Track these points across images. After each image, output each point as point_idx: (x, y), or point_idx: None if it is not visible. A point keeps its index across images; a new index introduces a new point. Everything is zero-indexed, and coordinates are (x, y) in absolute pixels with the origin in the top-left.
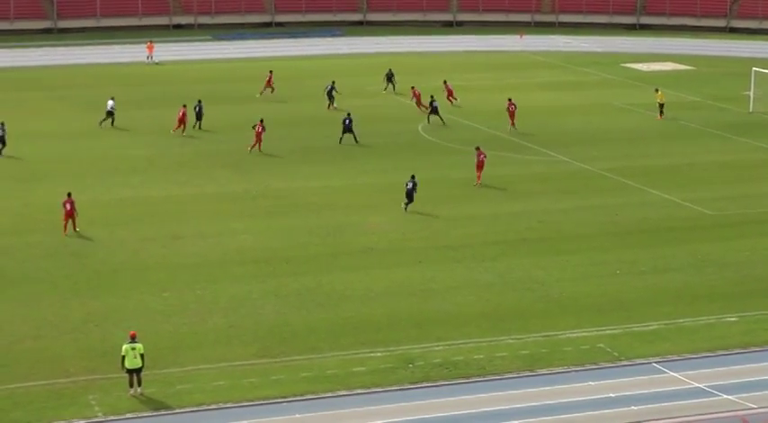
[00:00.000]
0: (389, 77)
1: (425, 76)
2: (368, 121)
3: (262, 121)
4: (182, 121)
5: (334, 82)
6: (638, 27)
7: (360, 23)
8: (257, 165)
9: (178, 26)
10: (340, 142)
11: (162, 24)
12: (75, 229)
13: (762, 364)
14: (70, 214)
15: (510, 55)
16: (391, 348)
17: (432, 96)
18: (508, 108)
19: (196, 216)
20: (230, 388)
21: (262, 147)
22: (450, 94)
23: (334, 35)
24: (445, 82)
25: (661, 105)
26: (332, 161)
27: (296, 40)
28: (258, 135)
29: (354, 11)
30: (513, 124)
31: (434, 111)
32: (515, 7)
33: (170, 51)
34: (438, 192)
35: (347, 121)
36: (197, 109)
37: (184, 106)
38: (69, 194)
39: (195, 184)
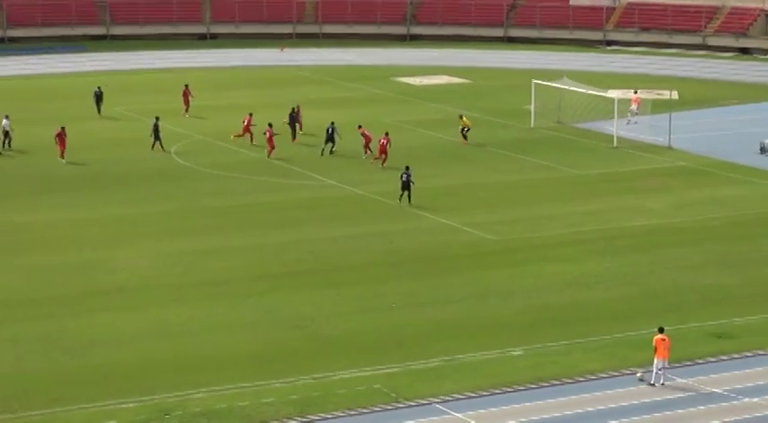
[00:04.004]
0: (98, 97)
1: (175, 93)
2: (113, 146)
3: (270, 125)
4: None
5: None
6: (408, 38)
7: (104, 37)
8: None
9: None
10: (321, 154)
11: None
12: None
13: (549, 400)
14: None
15: (271, 70)
16: (145, 398)
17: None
18: (364, 136)
19: None
20: None
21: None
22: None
23: (77, 51)
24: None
25: (465, 130)
26: (76, 191)
27: (34, 56)
28: (269, 140)
29: (96, 24)
30: (368, 152)
31: (292, 122)
32: (274, 18)
33: None
34: (193, 221)
35: (329, 129)
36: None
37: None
38: None
39: None
